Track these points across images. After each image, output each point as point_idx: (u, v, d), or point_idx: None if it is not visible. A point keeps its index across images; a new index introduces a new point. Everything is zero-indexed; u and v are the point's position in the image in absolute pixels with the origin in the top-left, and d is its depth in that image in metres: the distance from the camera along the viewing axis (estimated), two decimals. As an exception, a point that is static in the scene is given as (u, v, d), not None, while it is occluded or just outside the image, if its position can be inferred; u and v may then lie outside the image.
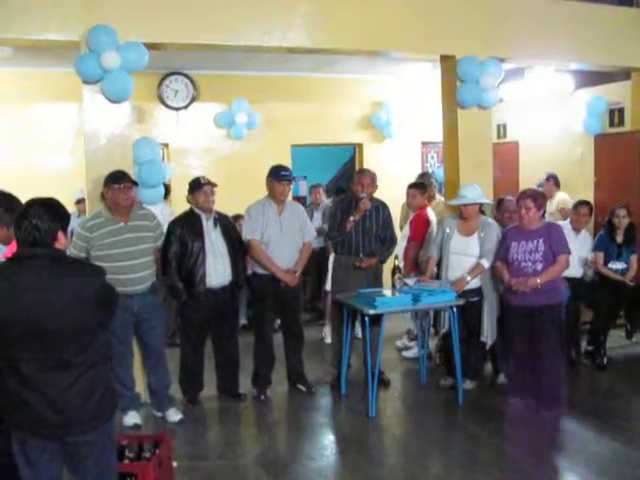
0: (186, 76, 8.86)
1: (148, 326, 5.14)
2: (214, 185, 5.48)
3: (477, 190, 5.70)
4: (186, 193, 5.60)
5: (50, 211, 2.87)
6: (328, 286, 7.17)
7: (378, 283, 6.02)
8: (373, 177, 6.00)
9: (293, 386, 5.97)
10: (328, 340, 7.28)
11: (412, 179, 7.41)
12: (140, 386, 5.44)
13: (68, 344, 2.81)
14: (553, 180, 8.33)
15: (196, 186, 5.44)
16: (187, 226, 5.39)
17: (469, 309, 5.64)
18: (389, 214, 6.08)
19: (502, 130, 10.08)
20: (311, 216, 7.33)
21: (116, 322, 4.28)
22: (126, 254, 4.95)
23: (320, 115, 9.44)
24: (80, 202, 7.10)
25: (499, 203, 6.18)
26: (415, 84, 9.84)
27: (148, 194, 5.83)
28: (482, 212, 5.87)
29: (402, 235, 6.68)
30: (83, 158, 5.48)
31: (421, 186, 6.78)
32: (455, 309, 5.50)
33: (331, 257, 7.04)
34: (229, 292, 5.54)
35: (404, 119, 9.83)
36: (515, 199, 5.52)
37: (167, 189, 7.21)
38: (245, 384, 5.85)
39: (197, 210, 5.47)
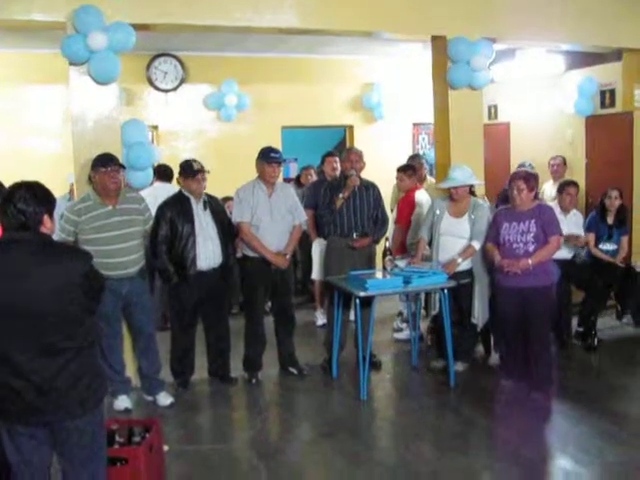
0: (175, 57, 8.79)
1: (137, 310, 5.12)
2: (207, 172, 5.48)
3: (467, 171, 5.66)
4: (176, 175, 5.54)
5: (36, 195, 2.84)
6: (315, 274, 7.20)
7: (372, 265, 6.01)
8: (360, 154, 6.05)
9: (284, 369, 5.96)
10: (319, 323, 7.31)
11: (403, 161, 7.38)
12: (130, 370, 5.42)
13: (56, 329, 2.79)
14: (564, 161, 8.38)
15: (189, 172, 5.37)
16: (177, 209, 5.36)
17: (460, 291, 5.62)
18: (379, 193, 6.08)
19: (493, 111, 10.07)
20: (301, 198, 7.25)
21: (105, 306, 4.33)
22: (115, 237, 4.92)
23: (311, 97, 9.37)
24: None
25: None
26: (406, 65, 9.78)
27: (137, 177, 5.78)
28: (472, 193, 5.84)
29: (392, 217, 6.68)
30: (71, 141, 5.42)
31: (408, 169, 6.77)
32: (446, 291, 5.49)
33: (314, 244, 7.08)
34: (219, 274, 5.52)
35: (395, 100, 9.80)
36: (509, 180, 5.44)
37: (171, 171, 7.22)
38: (237, 368, 5.84)
39: (187, 193, 5.44)
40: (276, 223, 5.66)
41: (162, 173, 7.13)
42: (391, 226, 6.49)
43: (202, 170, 5.40)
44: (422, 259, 5.82)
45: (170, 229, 5.30)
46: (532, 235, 5.17)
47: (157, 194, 6.28)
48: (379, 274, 5.65)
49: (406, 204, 6.61)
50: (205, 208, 5.47)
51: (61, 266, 2.83)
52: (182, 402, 5.36)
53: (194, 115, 9.06)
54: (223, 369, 5.76)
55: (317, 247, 7.03)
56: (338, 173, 7.08)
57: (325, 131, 10.64)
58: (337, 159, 7.37)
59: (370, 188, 6.02)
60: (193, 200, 5.42)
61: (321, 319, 7.27)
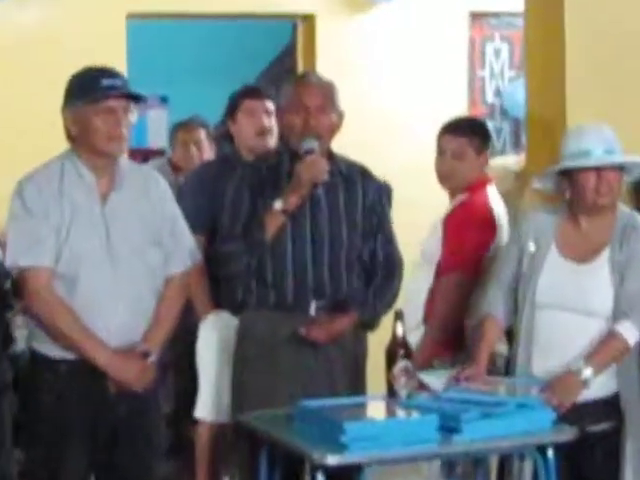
0: None
1: None
2: None
3: (610, 137, 4.92)
4: None
5: None
6: (200, 411, 6.52)
7: (358, 383, 5.29)
8: (328, 89, 5.37)
9: None
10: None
11: (451, 106, 7.59)
12: None
13: None
14: None
15: None
16: None
17: (589, 452, 4.78)
18: (380, 197, 5.44)
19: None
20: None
21: None
22: None
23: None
24: None
25: None
26: None
27: None
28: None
29: (420, 260, 5.73)
30: None
31: (473, 128, 5.88)
32: (551, 452, 4.52)
33: (203, 326, 6.44)
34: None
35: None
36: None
37: None
38: None
39: None
40: (121, 268, 4.80)
41: None
42: (420, 282, 5.55)
43: None
44: (491, 367, 4.99)
45: None
46: None
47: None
48: (379, 406, 4.78)
49: (467, 222, 5.60)
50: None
51: None
52: None
53: None
54: None
55: (211, 334, 6.25)
56: (272, 143, 6.42)
57: (241, 28, 10.57)
58: (271, 107, 6.65)
59: (356, 180, 5.34)
60: None
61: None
